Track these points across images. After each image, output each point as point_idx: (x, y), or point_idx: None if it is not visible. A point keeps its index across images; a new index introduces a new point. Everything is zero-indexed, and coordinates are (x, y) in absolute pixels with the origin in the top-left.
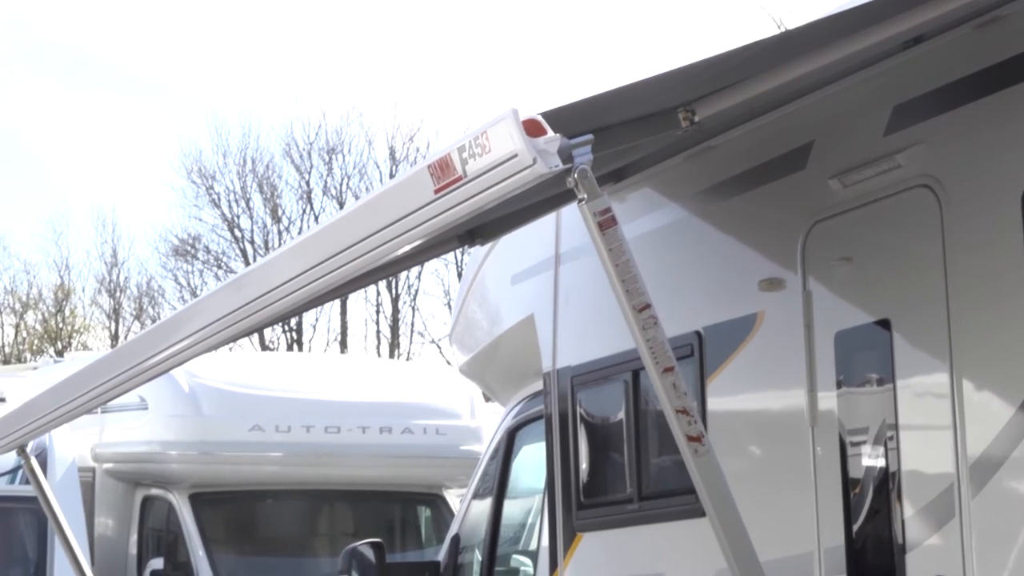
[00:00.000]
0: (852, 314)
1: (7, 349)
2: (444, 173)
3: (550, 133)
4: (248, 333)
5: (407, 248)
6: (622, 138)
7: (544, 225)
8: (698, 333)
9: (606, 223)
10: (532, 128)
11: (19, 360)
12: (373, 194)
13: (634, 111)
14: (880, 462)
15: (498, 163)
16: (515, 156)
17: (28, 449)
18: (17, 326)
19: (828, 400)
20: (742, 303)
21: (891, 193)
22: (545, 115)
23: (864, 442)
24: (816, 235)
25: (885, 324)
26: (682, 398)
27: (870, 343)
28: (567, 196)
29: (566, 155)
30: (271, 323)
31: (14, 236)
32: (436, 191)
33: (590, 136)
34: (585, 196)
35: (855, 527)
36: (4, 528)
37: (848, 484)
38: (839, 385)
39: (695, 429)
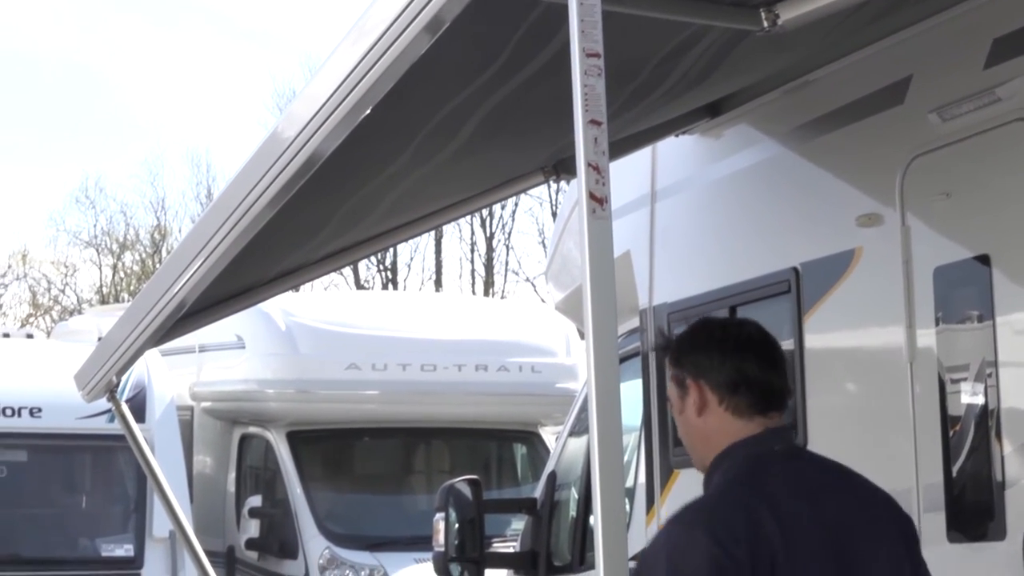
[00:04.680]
0: (951, 250)
1: (105, 290)
2: None
3: None
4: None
5: None
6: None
7: (640, 162)
8: (795, 269)
9: None
10: None
11: (117, 300)
12: None
13: None
14: (979, 399)
15: None
16: None
17: (126, 387)
18: (115, 267)
19: (926, 336)
20: (840, 239)
21: (991, 127)
22: None
23: (963, 379)
24: (915, 170)
25: (984, 260)
26: (599, 156)
27: (969, 279)
28: (657, 131)
29: None
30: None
31: (110, 178)
32: None
33: None
34: None
35: (954, 464)
36: (104, 467)
37: (947, 421)
38: (938, 321)
39: (601, 191)
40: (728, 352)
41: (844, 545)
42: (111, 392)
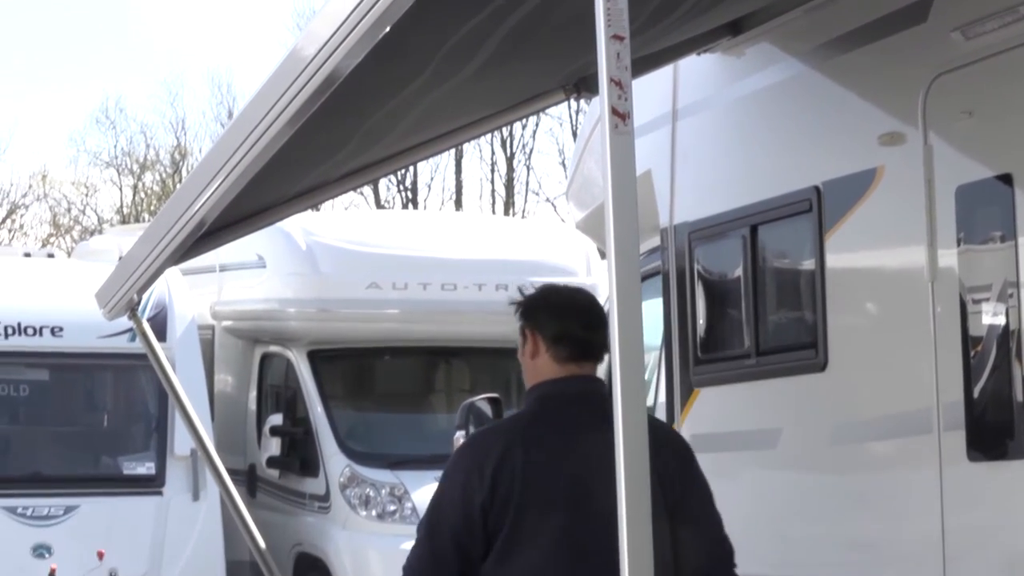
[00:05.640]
0: (973, 169)
1: (126, 210)
2: None
3: None
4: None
5: None
6: None
7: (661, 80)
8: (817, 188)
9: None
10: None
11: (137, 220)
12: None
13: None
14: (1000, 319)
15: None
16: None
17: (148, 306)
18: (135, 187)
19: (948, 256)
20: (862, 157)
21: (1014, 45)
22: None
23: (984, 299)
24: (937, 89)
25: (1007, 179)
26: (622, 71)
27: (991, 198)
28: (679, 49)
29: None
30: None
31: (130, 99)
32: None
33: None
34: None
35: (974, 383)
36: (126, 386)
37: (967, 340)
38: (959, 241)
39: (623, 106)
40: (556, 313)
41: (583, 478)
42: (132, 310)
